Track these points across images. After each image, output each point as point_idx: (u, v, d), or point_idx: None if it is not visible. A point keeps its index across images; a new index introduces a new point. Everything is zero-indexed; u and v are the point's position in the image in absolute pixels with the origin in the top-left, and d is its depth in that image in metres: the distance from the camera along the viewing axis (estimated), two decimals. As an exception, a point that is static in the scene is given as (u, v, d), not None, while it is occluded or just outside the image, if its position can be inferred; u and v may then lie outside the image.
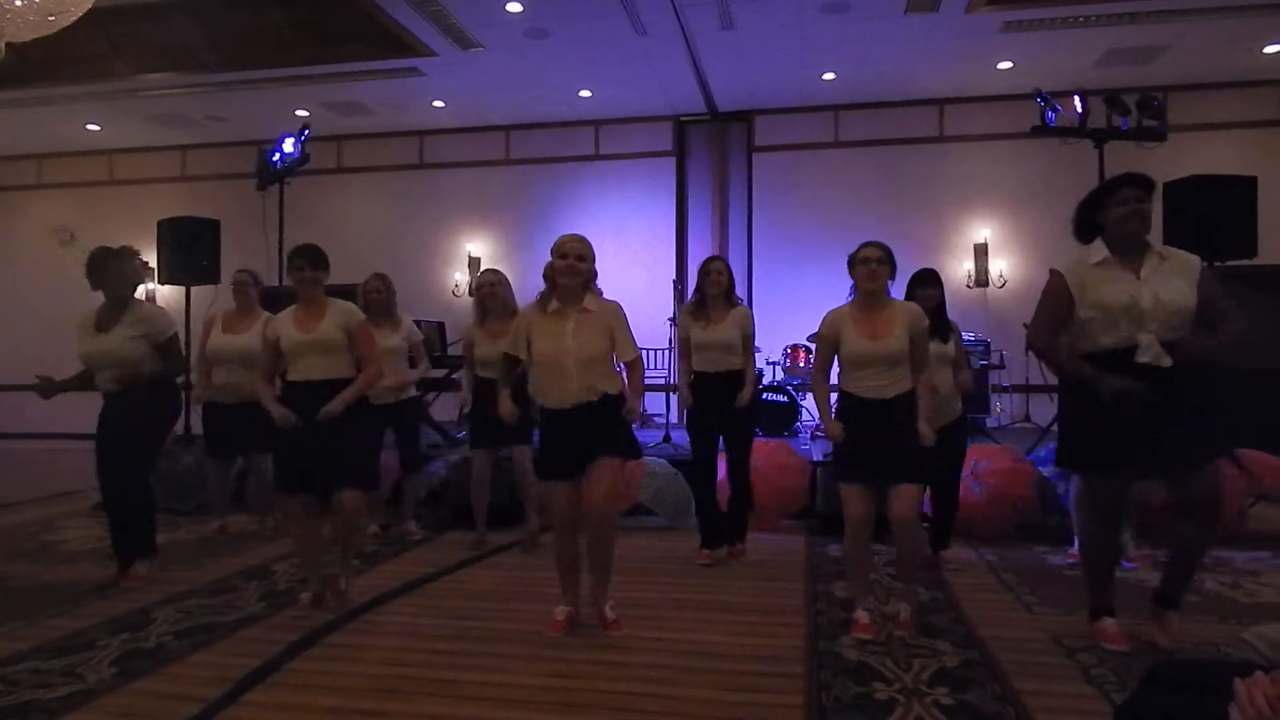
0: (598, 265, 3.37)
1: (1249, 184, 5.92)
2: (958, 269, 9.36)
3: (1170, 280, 2.92)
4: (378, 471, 3.74)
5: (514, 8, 7.06)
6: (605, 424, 3.24)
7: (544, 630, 3.30)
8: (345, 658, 3.09)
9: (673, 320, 7.22)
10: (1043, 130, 6.56)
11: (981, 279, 9.16)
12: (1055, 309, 3.09)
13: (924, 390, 3.32)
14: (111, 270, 4.02)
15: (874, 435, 3.23)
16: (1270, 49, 7.87)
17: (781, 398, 7.36)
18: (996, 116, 9.03)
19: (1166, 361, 2.87)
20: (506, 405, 3.44)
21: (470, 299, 10.08)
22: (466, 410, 4.96)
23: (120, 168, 11.29)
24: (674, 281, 9.32)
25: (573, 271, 3.22)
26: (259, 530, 5.22)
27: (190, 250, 6.84)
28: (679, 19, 7.22)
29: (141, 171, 11.16)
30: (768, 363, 8.42)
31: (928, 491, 4.37)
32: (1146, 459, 2.95)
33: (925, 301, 4.05)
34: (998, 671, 2.90)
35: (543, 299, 3.32)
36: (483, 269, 4.87)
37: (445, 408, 7.42)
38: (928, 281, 4.26)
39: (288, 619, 3.54)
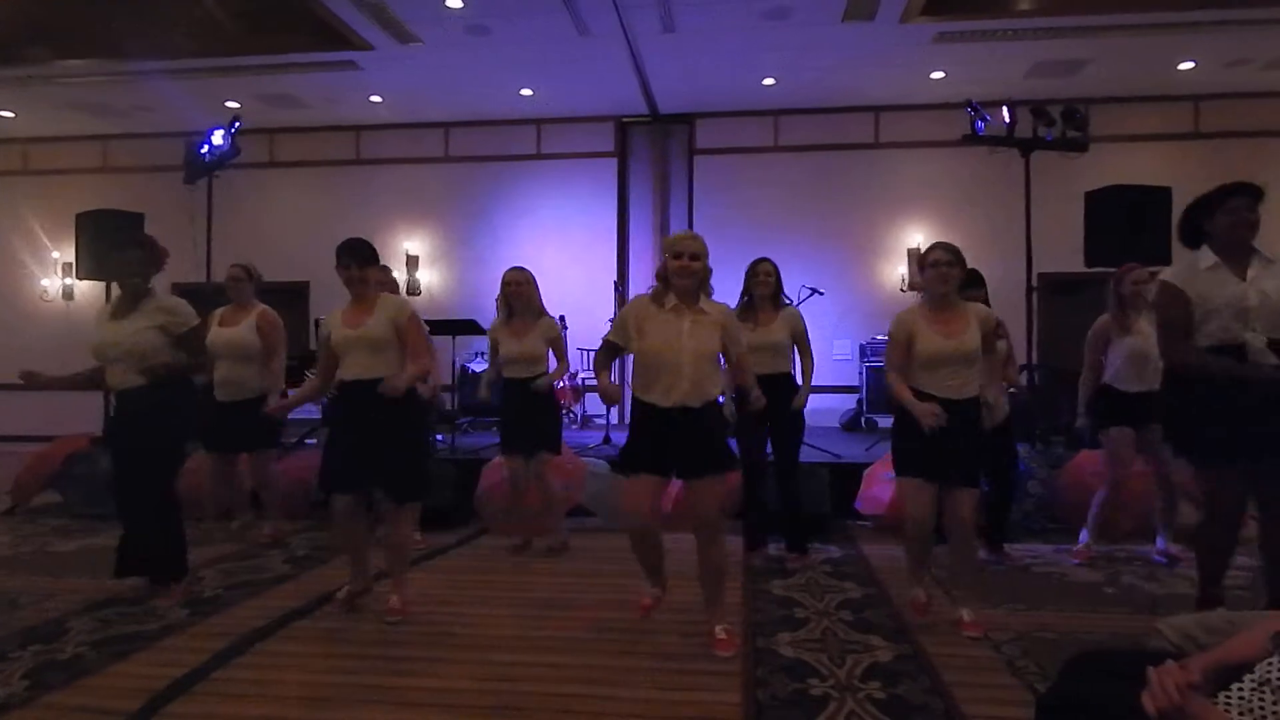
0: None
1: (1164, 194, 6.21)
2: (891, 273, 9.58)
3: (1275, 280, 2.96)
4: (427, 481, 3.70)
5: (454, 3, 6.97)
6: (706, 434, 3.14)
7: (632, 613, 3.31)
8: (275, 666, 3.01)
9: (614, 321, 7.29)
10: (973, 139, 6.76)
11: (915, 283, 9.38)
12: (1184, 317, 3.06)
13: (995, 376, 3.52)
14: (113, 259, 3.84)
15: (945, 434, 3.18)
16: (1184, 66, 8.25)
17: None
18: (929, 124, 9.26)
19: (1273, 360, 2.88)
20: (606, 382, 3.28)
21: (410, 297, 9.98)
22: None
23: (36, 157, 10.77)
24: (615, 282, 9.33)
25: (688, 271, 3.09)
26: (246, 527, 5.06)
27: (111, 244, 6.56)
28: (621, 20, 7.23)
29: (59, 162, 10.66)
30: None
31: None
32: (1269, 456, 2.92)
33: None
34: (928, 665, 2.98)
35: (657, 295, 3.19)
36: (509, 267, 4.72)
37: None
38: (973, 283, 4.18)
39: (215, 626, 3.43)
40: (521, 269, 4.68)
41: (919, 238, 9.40)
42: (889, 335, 3.43)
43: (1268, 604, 3.10)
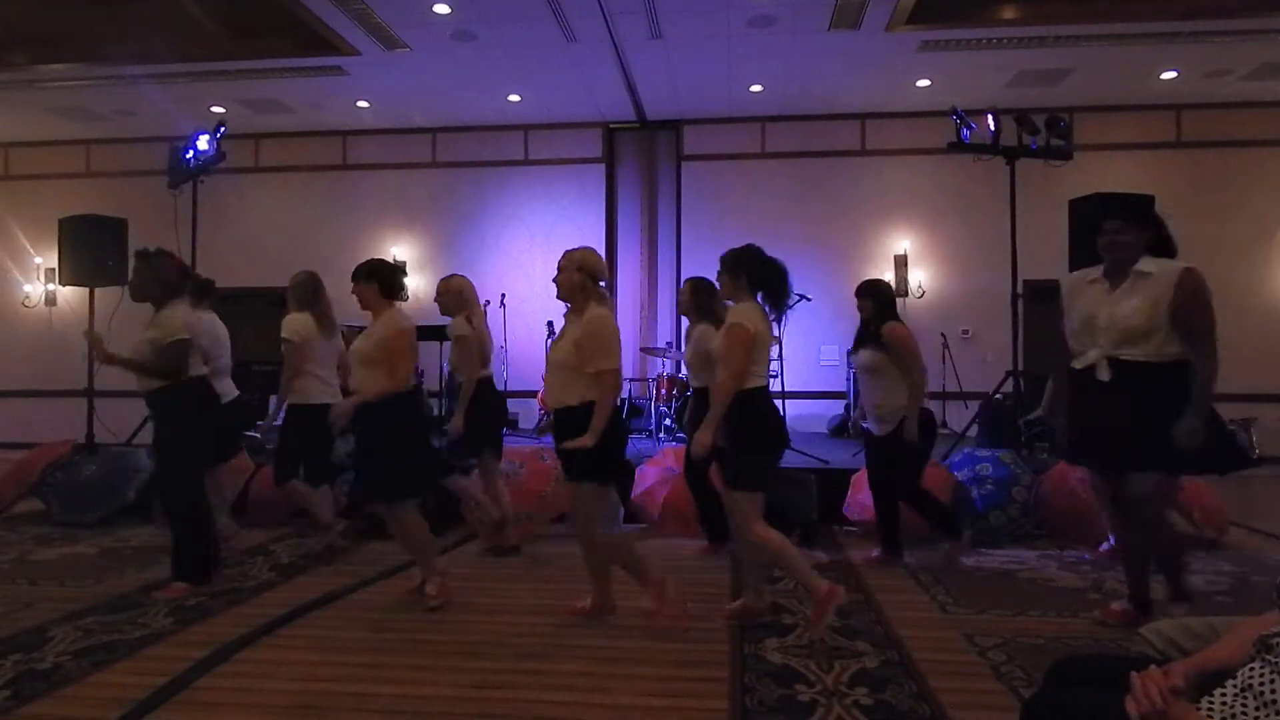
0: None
1: (1148, 202, 6.26)
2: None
3: (1134, 300, 3.02)
4: (401, 483, 3.72)
5: (441, 9, 6.97)
6: (567, 439, 3.23)
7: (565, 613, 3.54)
8: (258, 674, 2.98)
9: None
10: (958, 146, 6.81)
11: (901, 289, 9.42)
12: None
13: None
14: (135, 273, 4.04)
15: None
16: (1166, 75, 8.35)
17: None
18: (915, 132, 9.32)
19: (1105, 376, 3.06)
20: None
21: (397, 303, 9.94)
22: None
23: (17, 162, 10.68)
24: (602, 288, 9.31)
25: (556, 282, 3.41)
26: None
27: (95, 250, 6.53)
28: (608, 27, 7.24)
29: (41, 167, 10.57)
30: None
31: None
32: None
33: (861, 311, 4.47)
34: (914, 670, 2.98)
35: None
36: (445, 275, 4.90)
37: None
38: (858, 293, 4.56)
39: (197, 634, 3.39)
40: (447, 278, 4.82)
41: (905, 244, 9.45)
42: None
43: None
